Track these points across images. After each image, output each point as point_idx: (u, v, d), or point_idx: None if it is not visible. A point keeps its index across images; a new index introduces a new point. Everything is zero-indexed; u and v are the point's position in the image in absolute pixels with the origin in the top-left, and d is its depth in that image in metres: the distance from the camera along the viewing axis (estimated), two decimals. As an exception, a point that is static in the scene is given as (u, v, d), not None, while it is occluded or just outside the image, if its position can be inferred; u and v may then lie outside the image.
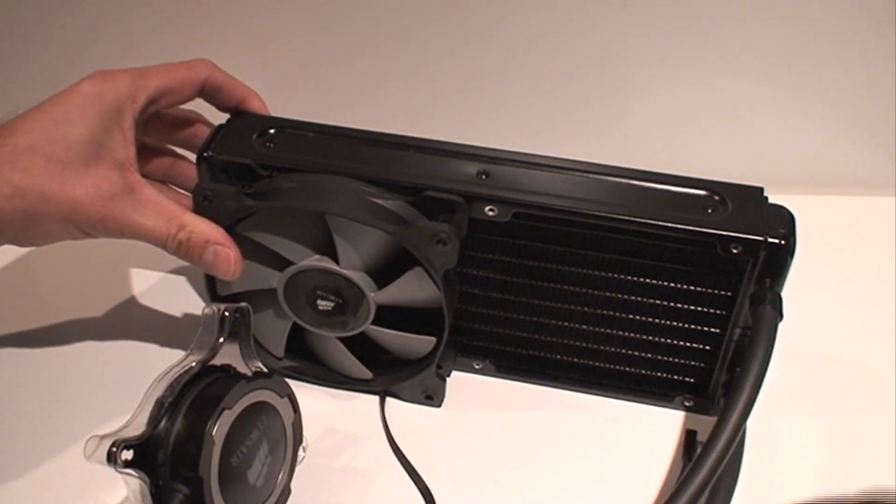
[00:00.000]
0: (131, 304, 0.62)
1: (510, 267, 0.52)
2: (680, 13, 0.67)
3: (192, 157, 0.54)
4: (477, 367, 0.57)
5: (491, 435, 0.53)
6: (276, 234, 0.51)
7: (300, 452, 0.48)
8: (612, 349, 0.54)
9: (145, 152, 0.55)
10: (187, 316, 0.61)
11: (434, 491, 0.49)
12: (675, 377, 0.55)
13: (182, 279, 0.64)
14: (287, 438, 0.47)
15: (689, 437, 0.52)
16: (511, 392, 0.56)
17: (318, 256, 0.51)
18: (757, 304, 0.47)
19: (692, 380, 0.54)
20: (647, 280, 0.51)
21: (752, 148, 0.74)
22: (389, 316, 0.52)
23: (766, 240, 0.46)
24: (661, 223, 0.47)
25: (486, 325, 0.55)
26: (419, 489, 0.50)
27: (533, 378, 0.56)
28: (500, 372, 0.57)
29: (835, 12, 0.67)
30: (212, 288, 0.53)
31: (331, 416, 0.54)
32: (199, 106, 0.55)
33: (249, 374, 0.45)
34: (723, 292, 0.50)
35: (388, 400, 0.55)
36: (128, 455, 0.39)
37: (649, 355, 0.54)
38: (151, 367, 0.43)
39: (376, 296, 0.51)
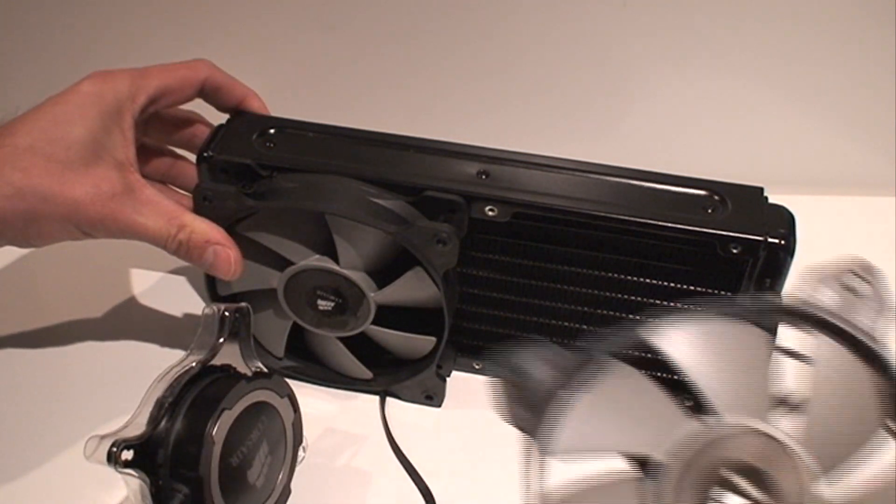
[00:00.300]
0: (131, 304, 0.62)
1: (510, 267, 0.52)
2: (680, 13, 0.67)
3: (192, 157, 0.54)
4: (477, 367, 0.57)
5: (490, 435, 0.53)
6: (276, 234, 0.51)
7: (300, 452, 0.48)
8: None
9: (145, 153, 0.55)
10: (187, 316, 0.61)
11: (434, 491, 0.49)
12: (675, 377, 0.55)
13: (182, 279, 0.64)
14: (287, 438, 0.47)
15: None
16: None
17: (318, 256, 0.51)
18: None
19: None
20: (647, 280, 0.51)
21: (752, 148, 0.74)
22: (389, 316, 0.52)
23: (765, 240, 0.46)
24: (660, 223, 0.47)
25: (486, 325, 0.55)
26: (419, 489, 0.50)
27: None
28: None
29: (835, 12, 0.66)
30: (212, 288, 0.53)
31: (331, 416, 0.54)
32: (199, 106, 0.55)
33: (249, 374, 0.45)
34: (723, 292, 0.50)
35: (388, 400, 0.55)
36: (128, 455, 0.39)
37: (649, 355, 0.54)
38: (151, 367, 0.43)
39: (376, 296, 0.51)
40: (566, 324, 0.54)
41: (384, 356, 0.55)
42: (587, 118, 0.74)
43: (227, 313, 0.45)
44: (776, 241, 0.46)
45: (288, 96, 0.60)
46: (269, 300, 0.53)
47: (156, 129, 0.55)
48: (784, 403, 0.32)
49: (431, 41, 0.71)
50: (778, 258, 0.47)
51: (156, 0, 0.70)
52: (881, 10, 0.66)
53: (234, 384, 0.43)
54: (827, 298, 0.32)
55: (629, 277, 0.51)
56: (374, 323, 0.52)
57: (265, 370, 0.46)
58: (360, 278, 0.50)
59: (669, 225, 0.47)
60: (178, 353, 0.46)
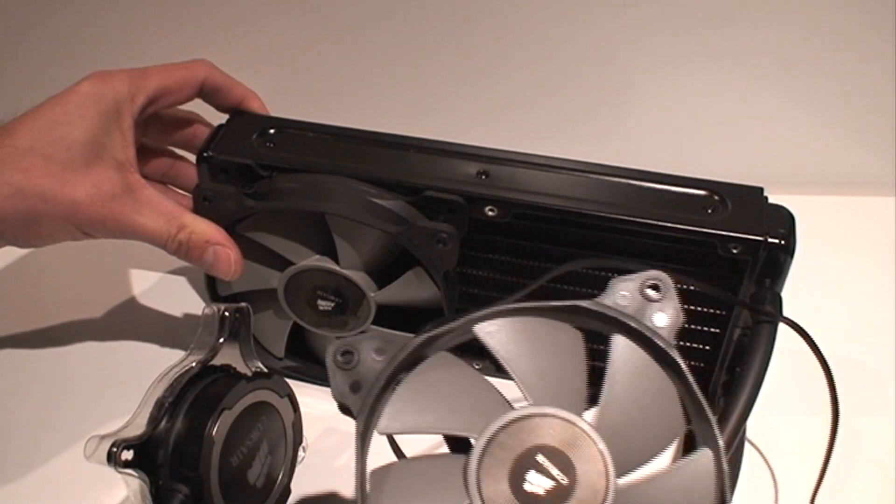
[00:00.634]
0: (131, 304, 0.62)
1: (510, 267, 0.52)
2: (680, 13, 0.67)
3: (192, 157, 0.54)
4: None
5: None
6: (276, 234, 0.51)
7: (300, 452, 0.48)
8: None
9: (145, 153, 0.55)
10: (187, 316, 0.61)
11: (434, 491, 0.49)
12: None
13: (182, 279, 0.64)
14: (287, 438, 0.47)
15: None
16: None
17: (318, 256, 0.51)
18: (757, 305, 0.47)
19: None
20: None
21: (752, 148, 0.74)
22: (390, 316, 0.52)
23: (765, 240, 0.46)
24: (660, 223, 0.47)
25: (486, 325, 0.55)
26: (419, 489, 0.50)
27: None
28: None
29: (834, 13, 0.66)
30: (212, 288, 0.53)
31: (331, 416, 0.54)
32: (199, 107, 0.55)
33: (249, 374, 0.45)
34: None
35: (388, 400, 0.55)
36: (128, 455, 0.39)
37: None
38: (151, 367, 0.43)
39: (376, 296, 0.51)
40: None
41: (384, 356, 0.55)
42: (587, 118, 0.74)
43: (227, 313, 0.45)
44: (776, 241, 0.46)
45: (288, 96, 0.60)
46: (269, 300, 0.53)
47: (155, 129, 0.55)
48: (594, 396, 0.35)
49: (431, 41, 0.71)
50: (778, 258, 0.47)
51: (156, 0, 0.70)
52: (881, 11, 0.66)
53: (234, 384, 0.43)
54: (624, 302, 0.36)
55: (611, 276, 0.51)
56: (374, 323, 0.52)
57: (265, 370, 0.46)
58: (360, 278, 0.50)
59: (669, 225, 0.47)
60: (178, 353, 0.46)
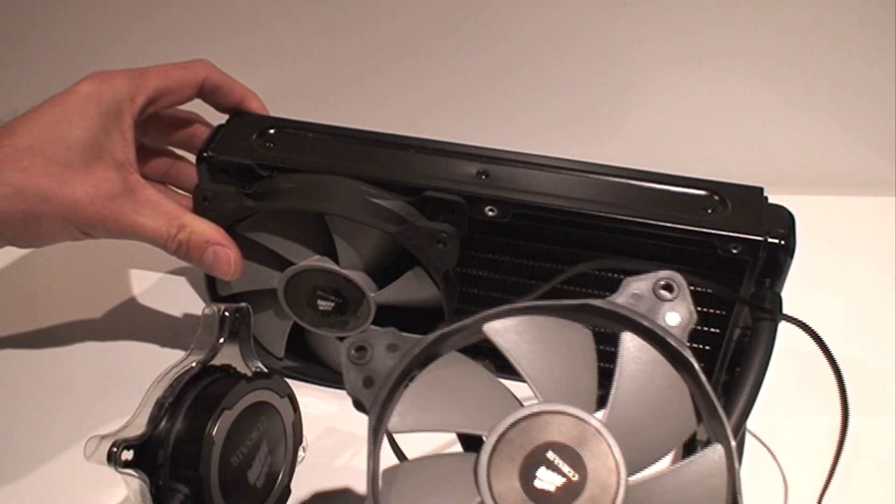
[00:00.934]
0: (131, 304, 0.62)
1: (510, 267, 0.52)
2: (680, 13, 0.67)
3: (192, 157, 0.54)
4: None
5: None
6: (276, 234, 0.51)
7: (300, 452, 0.48)
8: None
9: (144, 153, 0.55)
10: (187, 316, 0.61)
11: (434, 491, 0.49)
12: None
13: (182, 279, 0.64)
14: (287, 438, 0.47)
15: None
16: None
17: (318, 256, 0.51)
18: (759, 302, 0.47)
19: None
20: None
21: (752, 148, 0.74)
22: (390, 316, 0.52)
23: (765, 240, 0.46)
24: (660, 223, 0.47)
25: (486, 325, 0.55)
26: (419, 489, 0.50)
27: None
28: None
29: (834, 13, 0.67)
30: (212, 288, 0.53)
31: (331, 416, 0.54)
32: (198, 107, 0.55)
33: (249, 374, 0.45)
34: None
35: (388, 400, 0.55)
36: (128, 455, 0.39)
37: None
38: (151, 367, 0.43)
39: (376, 296, 0.51)
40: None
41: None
42: (587, 118, 0.74)
43: (227, 313, 0.45)
44: (776, 241, 0.46)
45: (288, 96, 0.60)
46: (269, 300, 0.53)
47: (155, 129, 0.55)
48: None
49: (431, 41, 0.71)
50: (778, 258, 0.47)
51: (155, 0, 0.70)
52: (881, 11, 0.66)
53: (234, 384, 0.43)
54: (638, 301, 0.36)
55: (616, 276, 0.51)
56: (374, 323, 0.52)
57: (265, 370, 0.46)
58: (360, 278, 0.50)
59: (669, 225, 0.47)
60: (178, 353, 0.46)
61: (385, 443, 0.52)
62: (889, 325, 0.61)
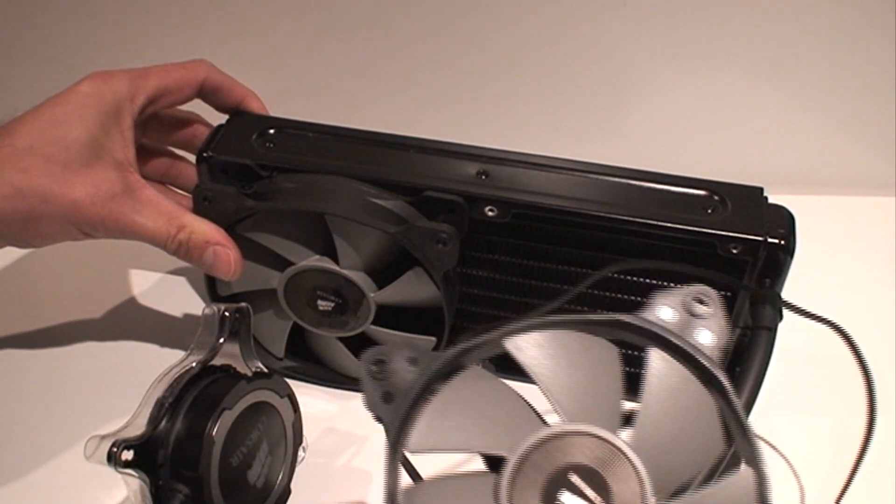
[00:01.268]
0: (131, 304, 0.62)
1: (510, 267, 0.52)
2: (680, 13, 0.67)
3: (192, 157, 0.54)
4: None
5: (491, 435, 0.53)
6: (275, 234, 0.51)
7: (300, 452, 0.48)
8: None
9: (144, 153, 0.55)
10: (187, 316, 0.61)
11: (434, 491, 0.49)
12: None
13: (182, 279, 0.64)
14: (287, 438, 0.47)
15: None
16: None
17: (318, 257, 0.51)
18: (756, 305, 0.47)
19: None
20: (647, 280, 0.51)
21: (752, 148, 0.74)
22: (390, 316, 0.52)
23: (765, 240, 0.46)
24: (660, 223, 0.47)
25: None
26: (419, 489, 0.50)
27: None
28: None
29: (835, 12, 0.67)
30: (212, 288, 0.53)
31: (331, 416, 0.54)
32: (198, 107, 0.55)
33: (249, 374, 0.45)
34: (722, 292, 0.50)
35: (388, 400, 0.55)
36: (128, 455, 0.39)
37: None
38: (151, 367, 0.43)
39: (376, 296, 0.51)
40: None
41: (384, 356, 0.55)
42: (587, 118, 0.74)
43: (227, 313, 0.45)
44: (776, 241, 0.46)
45: (288, 96, 0.60)
46: (269, 300, 0.53)
47: (155, 129, 0.55)
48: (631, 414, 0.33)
49: (431, 41, 0.71)
50: (778, 258, 0.47)
51: (155, 0, 0.70)
52: (881, 11, 0.66)
53: (234, 384, 0.43)
54: (667, 317, 0.34)
55: (629, 278, 0.51)
56: (374, 323, 0.52)
57: (265, 370, 0.46)
58: (360, 278, 0.50)
59: (669, 225, 0.47)
60: (178, 353, 0.46)
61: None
62: (889, 325, 0.61)
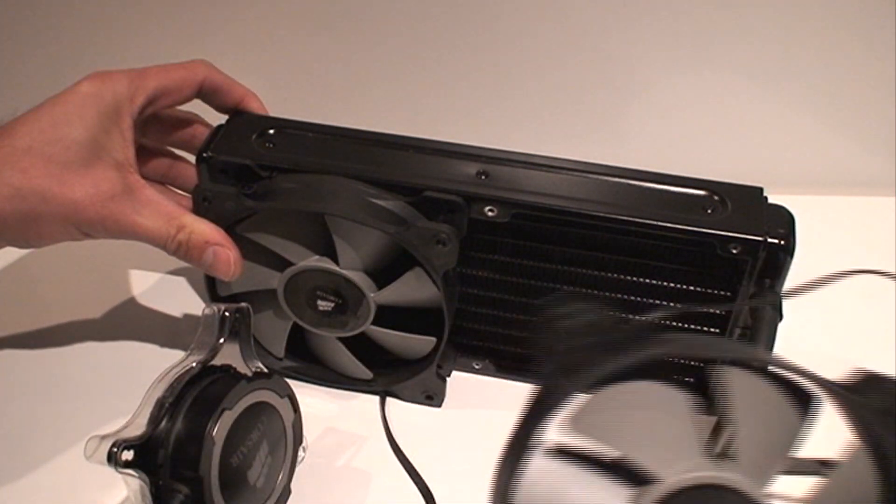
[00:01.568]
0: (131, 304, 0.62)
1: (510, 267, 0.52)
2: (679, 13, 0.67)
3: (191, 158, 0.54)
4: (477, 367, 0.57)
5: (491, 435, 0.53)
6: (275, 234, 0.51)
7: (300, 452, 0.48)
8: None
9: (144, 153, 0.55)
10: (187, 316, 0.61)
11: (434, 491, 0.49)
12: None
13: (182, 279, 0.64)
14: (287, 438, 0.47)
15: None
16: (511, 392, 0.56)
17: (317, 257, 0.51)
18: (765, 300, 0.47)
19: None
20: (647, 280, 0.51)
21: (752, 148, 0.74)
22: (389, 316, 0.52)
23: (765, 240, 0.46)
24: (660, 223, 0.47)
25: (486, 325, 0.55)
26: (419, 489, 0.50)
27: (533, 378, 0.56)
28: (500, 372, 0.57)
29: (835, 12, 0.67)
30: (212, 288, 0.53)
31: (331, 416, 0.54)
32: (198, 107, 0.55)
33: (250, 374, 0.45)
34: (722, 292, 0.50)
35: (388, 400, 0.55)
36: (128, 455, 0.39)
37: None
38: (151, 367, 0.43)
39: (376, 296, 0.51)
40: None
41: (384, 356, 0.55)
42: (587, 118, 0.74)
43: (227, 313, 0.45)
44: (776, 241, 0.46)
45: (288, 96, 0.60)
46: (269, 300, 0.53)
47: (155, 129, 0.55)
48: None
49: (431, 41, 0.71)
50: (778, 258, 0.47)
51: (154, 1, 0.70)
52: (881, 10, 0.66)
53: (234, 384, 0.43)
54: None
55: (628, 278, 0.51)
56: (374, 323, 0.52)
57: (265, 370, 0.46)
58: (360, 279, 0.50)
59: (669, 225, 0.47)
60: (178, 353, 0.46)
61: (393, 453, 0.52)
62: (889, 325, 0.61)
